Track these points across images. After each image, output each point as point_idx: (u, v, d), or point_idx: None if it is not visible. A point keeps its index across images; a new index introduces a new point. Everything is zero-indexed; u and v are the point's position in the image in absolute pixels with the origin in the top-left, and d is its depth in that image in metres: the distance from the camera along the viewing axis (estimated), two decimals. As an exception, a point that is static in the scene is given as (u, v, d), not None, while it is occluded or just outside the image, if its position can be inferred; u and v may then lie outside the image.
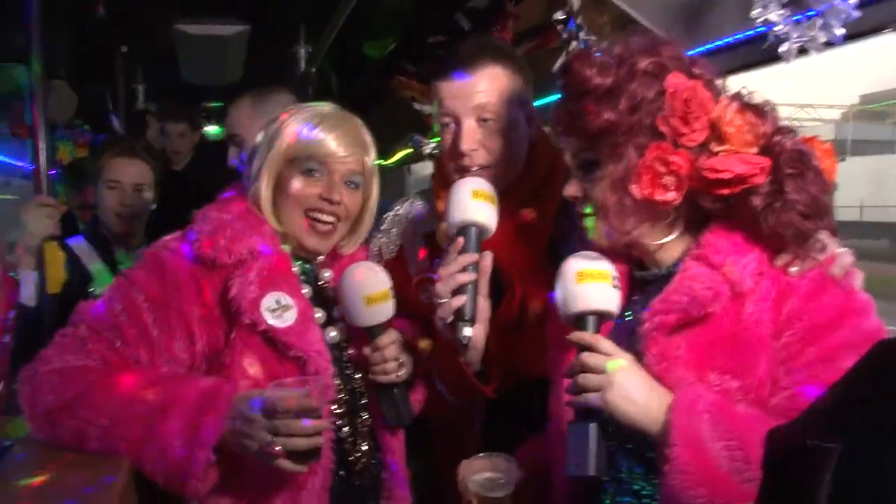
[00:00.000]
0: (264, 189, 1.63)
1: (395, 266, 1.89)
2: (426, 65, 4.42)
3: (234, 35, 4.48)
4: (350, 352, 1.70)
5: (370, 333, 1.64)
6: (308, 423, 1.43)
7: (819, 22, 1.62)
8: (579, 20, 2.56)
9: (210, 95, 6.32)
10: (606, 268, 1.37)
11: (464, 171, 1.78)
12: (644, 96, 1.31)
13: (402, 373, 1.66)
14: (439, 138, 1.88)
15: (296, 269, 1.68)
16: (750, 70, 2.19)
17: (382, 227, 2.04)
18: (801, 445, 0.53)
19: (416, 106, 4.62)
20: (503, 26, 3.29)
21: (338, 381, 1.64)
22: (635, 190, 1.33)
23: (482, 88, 1.77)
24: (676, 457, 1.20)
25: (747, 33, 2.00)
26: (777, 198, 1.28)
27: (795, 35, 1.61)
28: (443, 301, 1.59)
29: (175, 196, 2.78)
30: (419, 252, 1.95)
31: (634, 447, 1.36)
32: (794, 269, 1.29)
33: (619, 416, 1.26)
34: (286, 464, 1.44)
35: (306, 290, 1.66)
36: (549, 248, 1.82)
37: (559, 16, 2.57)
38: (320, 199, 1.63)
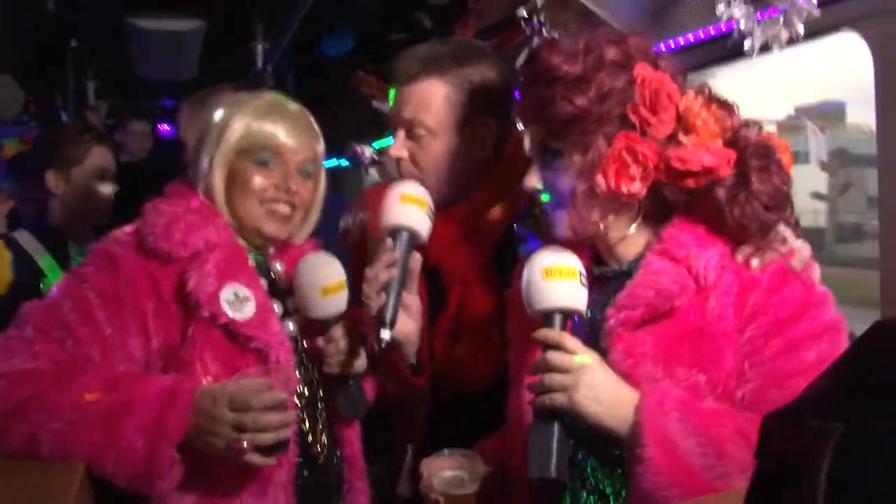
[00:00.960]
0: (217, 183, 1.60)
1: (358, 249, 1.88)
2: (387, 64, 4.37)
3: (190, 30, 4.40)
4: (306, 344, 1.67)
5: (324, 325, 1.62)
6: (275, 416, 1.40)
7: (781, 19, 1.64)
8: (542, 17, 2.56)
9: (164, 93, 6.19)
10: (574, 264, 1.34)
11: (399, 178, 1.76)
12: (613, 86, 1.30)
13: (357, 364, 1.63)
14: (380, 143, 1.91)
15: (251, 261, 1.65)
16: (713, 66, 2.22)
17: (350, 210, 2.02)
18: (800, 427, 0.51)
19: (375, 104, 4.58)
20: (465, 24, 3.28)
21: (298, 373, 1.62)
22: (601, 180, 1.31)
23: (412, 103, 1.73)
24: (649, 458, 1.19)
25: (711, 31, 2.02)
26: (741, 190, 1.28)
27: (759, 32, 1.63)
28: (367, 300, 1.57)
29: (131, 190, 2.72)
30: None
31: (596, 445, 1.34)
32: (755, 261, 1.30)
33: (586, 417, 1.24)
34: (255, 458, 1.40)
35: (263, 283, 1.63)
36: (501, 252, 1.79)
37: (522, 13, 2.56)
38: (277, 190, 1.60)
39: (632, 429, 1.23)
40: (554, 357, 1.27)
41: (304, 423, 1.61)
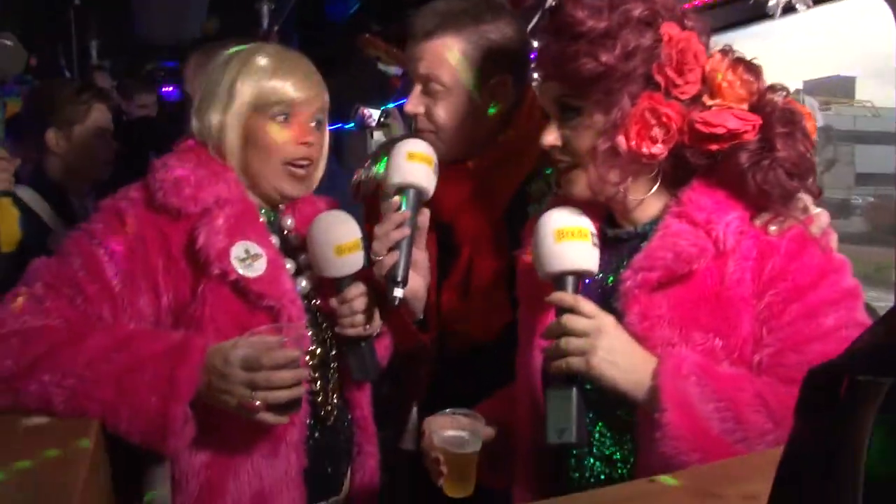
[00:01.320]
0: (232, 142, 1.57)
1: (373, 203, 1.86)
2: (393, 24, 4.32)
3: (194, -12, 4.34)
4: (318, 303, 1.66)
5: (338, 285, 1.60)
6: (287, 374, 1.39)
7: None
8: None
9: (168, 55, 6.12)
10: (586, 225, 1.32)
11: (414, 132, 1.76)
12: (639, 43, 1.26)
13: (371, 326, 1.61)
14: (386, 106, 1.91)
15: (262, 218, 1.63)
16: (732, 30, 2.18)
17: (366, 164, 1.99)
18: (846, 383, 0.49)
19: (381, 67, 4.52)
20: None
21: (310, 332, 1.60)
22: (622, 141, 1.28)
23: (428, 58, 1.72)
24: (668, 422, 1.17)
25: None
26: (765, 155, 1.26)
27: (774, -10, 1.58)
28: (378, 258, 1.57)
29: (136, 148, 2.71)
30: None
31: (606, 410, 1.33)
32: (773, 228, 1.28)
33: (603, 381, 1.23)
34: (267, 416, 1.40)
35: (274, 240, 1.61)
36: (512, 211, 1.78)
37: (536, -27, 2.50)
38: (297, 145, 1.58)
39: (649, 393, 1.21)
40: (570, 320, 1.25)
41: (316, 384, 1.60)
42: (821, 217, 1.32)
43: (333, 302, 1.60)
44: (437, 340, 1.83)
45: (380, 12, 4.30)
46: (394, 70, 4.42)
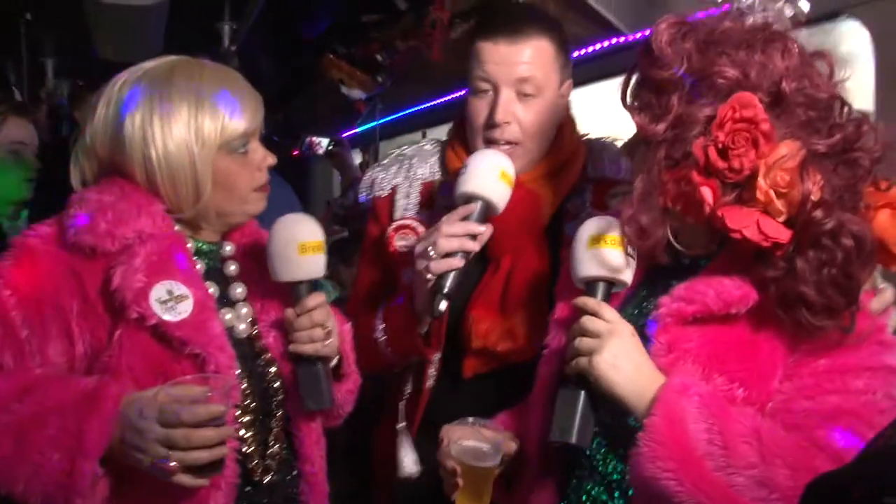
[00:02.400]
0: (208, 193, 1.44)
1: (383, 205, 1.83)
2: (358, 47, 4.25)
3: (153, 6, 4.19)
4: (263, 342, 1.52)
5: (297, 293, 1.48)
6: (210, 433, 1.25)
7: None
8: (521, -1, 2.43)
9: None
10: (621, 233, 1.28)
11: (491, 143, 1.70)
12: (691, 113, 1.18)
13: (329, 343, 1.49)
14: (328, 140, 1.89)
15: (192, 250, 1.49)
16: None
17: (384, 163, 1.94)
18: (851, 497, 0.37)
19: (343, 90, 4.42)
20: (440, 5, 3.14)
21: (244, 383, 1.45)
22: (660, 199, 1.22)
23: (528, 60, 1.68)
24: (653, 425, 1.16)
25: (709, 11, 1.89)
26: (787, 283, 1.17)
27: (760, 8, 1.51)
28: (433, 257, 1.53)
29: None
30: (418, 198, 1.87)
31: (613, 437, 1.31)
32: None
33: (602, 383, 1.21)
34: (184, 479, 1.25)
35: (200, 266, 1.49)
36: (551, 228, 1.77)
37: (500, -7, 2.43)
38: (260, 171, 1.50)
39: (648, 404, 1.18)
40: (587, 321, 1.25)
41: (247, 441, 1.45)
42: (885, 293, 1.26)
43: (290, 313, 1.48)
44: (448, 359, 1.78)
45: (344, 35, 4.22)
46: (356, 94, 4.34)
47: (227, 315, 1.49)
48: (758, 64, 1.18)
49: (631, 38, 2.39)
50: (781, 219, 1.16)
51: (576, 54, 2.70)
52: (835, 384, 1.18)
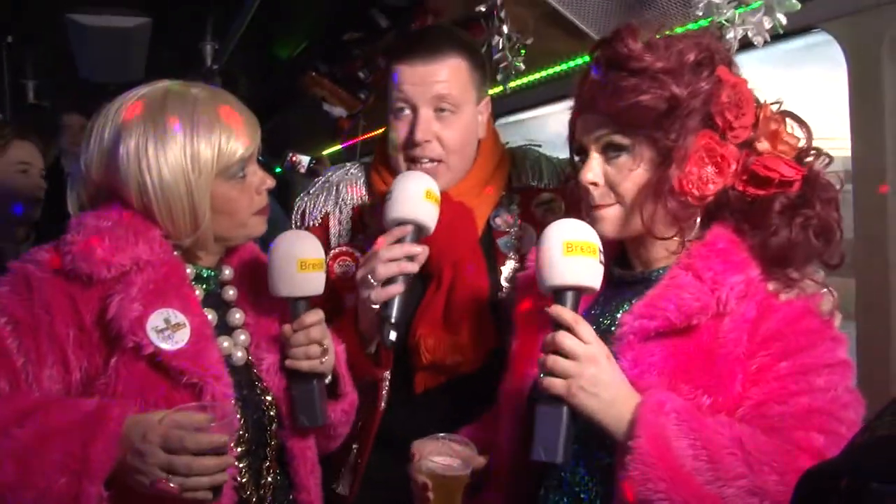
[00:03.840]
0: (207, 221, 1.43)
1: (317, 234, 1.79)
2: (340, 64, 4.26)
3: (135, 28, 4.20)
4: (259, 369, 1.50)
5: (295, 309, 1.48)
6: (211, 462, 1.25)
7: (762, 8, 1.57)
8: (502, 14, 2.46)
9: (111, 95, 5.93)
10: (595, 240, 1.28)
11: (413, 162, 1.73)
12: (699, 83, 1.26)
13: (326, 360, 1.49)
14: (310, 157, 1.93)
15: (189, 271, 1.49)
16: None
17: (311, 192, 1.94)
18: (839, 486, 0.39)
19: (325, 107, 4.44)
20: (422, 22, 3.17)
21: (238, 413, 1.44)
22: (675, 179, 1.26)
23: (444, 78, 1.71)
24: (639, 447, 1.16)
25: (689, 26, 1.93)
26: (800, 211, 1.26)
27: (739, 22, 1.55)
28: (374, 284, 1.54)
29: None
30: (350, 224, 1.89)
31: (583, 448, 1.30)
32: (784, 295, 1.27)
33: (581, 410, 1.21)
34: (187, 495, 1.26)
35: (199, 293, 1.48)
36: (483, 240, 1.80)
37: (481, 8, 2.46)
38: (259, 196, 1.49)
39: (627, 427, 1.19)
40: (564, 340, 1.21)
41: (241, 472, 1.45)
42: (830, 297, 1.31)
43: (287, 328, 1.48)
44: (396, 376, 1.79)
45: (325, 53, 4.23)
46: (338, 111, 4.36)
47: (225, 343, 1.48)
48: (708, 49, 1.31)
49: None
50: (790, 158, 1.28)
51: (558, 69, 2.75)
52: (800, 385, 1.21)
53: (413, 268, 1.57)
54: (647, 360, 1.26)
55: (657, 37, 1.31)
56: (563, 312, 1.24)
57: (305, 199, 1.93)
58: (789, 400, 1.20)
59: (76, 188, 1.48)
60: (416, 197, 1.58)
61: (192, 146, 1.39)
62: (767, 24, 1.58)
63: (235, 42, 4.15)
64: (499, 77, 2.49)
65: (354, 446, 1.84)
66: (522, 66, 2.51)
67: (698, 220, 1.34)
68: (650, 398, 1.20)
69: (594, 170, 1.33)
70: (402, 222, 1.58)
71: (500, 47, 2.46)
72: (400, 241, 1.58)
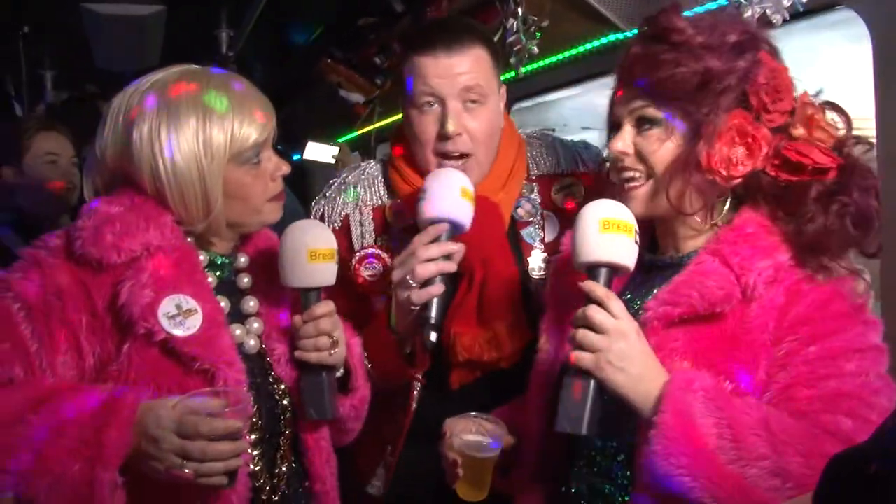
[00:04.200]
0: (219, 206, 1.42)
1: (339, 238, 1.76)
2: (356, 50, 4.25)
3: (150, 16, 4.20)
4: (272, 357, 1.49)
5: (305, 300, 1.47)
6: (226, 447, 1.25)
7: None
8: (519, -2, 2.44)
9: (127, 82, 5.94)
10: (632, 220, 1.29)
11: (443, 157, 1.71)
12: (739, 61, 1.26)
13: (336, 353, 1.47)
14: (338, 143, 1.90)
15: (203, 258, 1.48)
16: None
17: (327, 194, 1.91)
18: (868, 471, 0.38)
19: (342, 93, 4.42)
20: (438, 6, 3.14)
21: (253, 400, 1.43)
22: (704, 155, 1.26)
23: (469, 69, 1.70)
24: (663, 422, 1.16)
25: (708, 5, 1.90)
26: (837, 199, 1.25)
27: (758, 0, 1.52)
28: (412, 286, 1.53)
29: None
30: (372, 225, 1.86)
31: (614, 427, 1.30)
32: (820, 277, 1.26)
33: (609, 384, 1.21)
34: (202, 480, 1.26)
35: (212, 279, 1.47)
36: (509, 232, 1.80)
37: (499, -7, 2.44)
38: (274, 181, 1.48)
39: (654, 402, 1.19)
40: (594, 314, 1.23)
41: (254, 461, 1.44)
42: (864, 277, 1.30)
43: (297, 319, 1.47)
44: (431, 374, 1.78)
45: (341, 39, 4.22)
46: (355, 97, 4.34)
47: (238, 330, 1.47)
48: (753, 34, 1.32)
49: (629, 33, 2.39)
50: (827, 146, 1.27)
51: (575, 51, 2.72)
52: (829, 369, 1.21)
53: (451, 267, 1.56)
54: (671, 345, 1.26)
55: (707, 19, 1.32)
56: (596, 287, 1.25)
57: (322, 201, 1.91)
58: (818, 384, 1.19)
59: (91, 175, 1.48)
60: (452, 195, 1.57)
61: (204, 131, 1.38)
62: (786, 2, 1.55)
63: (250, 29, 4.15)
64: (512, 60, 2.47)
65: (388, 447, 1.84)
66: (536, 50, 2.49)
67: (728, 202, 1.33)
68: (679, 376, 1.21)
69: (625, 139, 1.34)
70: (437, 221, 1.57)
71: (515, 30, 2.44)
72: (436, 240, 1.56)
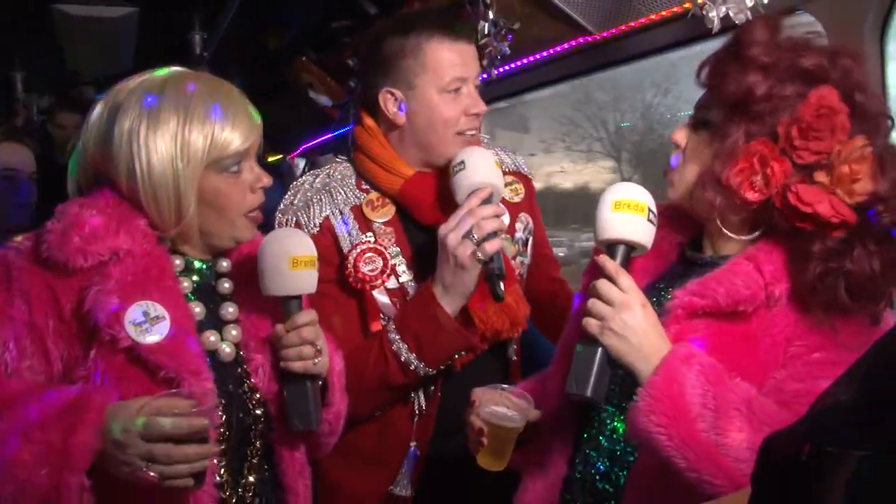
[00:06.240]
0: (192, 204, 1.39)
1: (323, 241, 1.79)
2: (329, 53, 4.24)
3: (121, 18, 4.16)
4: (249, 366, 1.48)
5: (286, 309, 1.45)
6: (191, 451, 1.25)
7: None
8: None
9: (99, 86, 5.89)
10: (644, 199, 1.35)
11: (461, 135, 1.82)
12: (782, 90, 1.26)
13: (319, 362, 1.45)
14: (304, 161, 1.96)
15: (178, 262, 1.47)
16: (675, 49, 2.15)
17: (295, 202, 1.90)
18: (808, 451, 0.41)
19: (311, 94, 4.41)
20: (410, 8, 3.16)
21: (222, 410, 1.42)
22: (722, 170, 1.29)
23: (476, 55, 1.88)
24: (652, 383, 1.22)
25: (673, 9, 1.94)
26: (837, 259, 1.23)
27: (721, 1, 1.56)
28: (476, 240, 1.63)
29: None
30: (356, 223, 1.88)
31: (624, 399, 1.34)
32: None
33: (611, 350, 1.28)
34: (168, 482, 1.25)
35: (187, 284, 1.45)
36: None
37: (469, -6, 2.46)
38: (253, 194, 1.45)
39: (653, 369, 1.25)
40: (602, 286, 1.30)
41: (219, 472, 1.42)
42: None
43: (279, 328, 1.45)
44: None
45: (315, 41, 4.21)
46: (324, 100, 4.34)
47: (212, 337, 1.45)
48: (841, 68, 1.27)
49: (598, 36, 2.43)
50: (849, 202, 1.23)
51: (545, 54, 2.75)
52: (824, 372, 1.22)
53: (504, 225, 1.69)
54: (690, 335, 1.30)
55: (789, 38, 1.32)
56: (607, 262, 1.32)
57: (290, 210, 1.88)
58: (809, 381, 1.23)
59: (76, 170, 1.47)
60: (491, 164, 1.73)
61: (183, 134, 1.37)
62: (749, 2, 1.59)
63: (224, 31, 4.13)
64: (484, 63, 2.49)
65: (412, 443, 1.86)
66: (508, 51, 2.52)
67: (748, 225, 1.35)
68: (681, 348, 1.26)
69: (683, 131, 1.40)
70: (479, 187, 1.68)
71: (486, 32, 2.47)
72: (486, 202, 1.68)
